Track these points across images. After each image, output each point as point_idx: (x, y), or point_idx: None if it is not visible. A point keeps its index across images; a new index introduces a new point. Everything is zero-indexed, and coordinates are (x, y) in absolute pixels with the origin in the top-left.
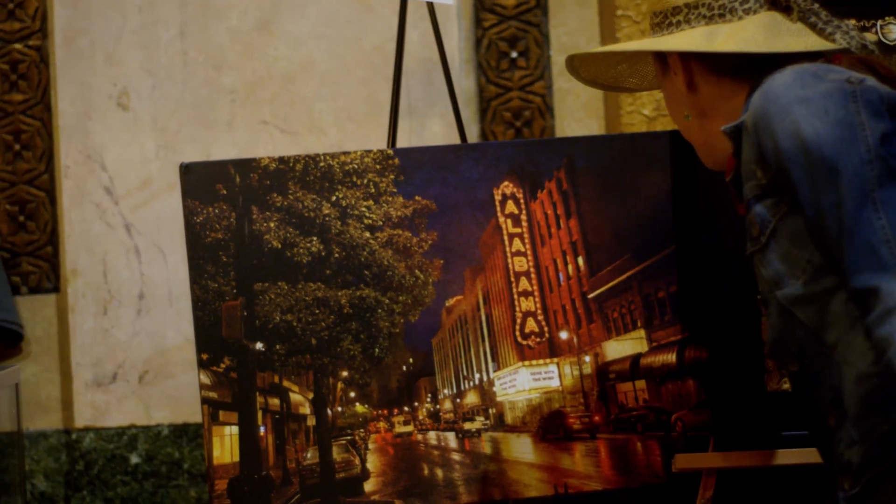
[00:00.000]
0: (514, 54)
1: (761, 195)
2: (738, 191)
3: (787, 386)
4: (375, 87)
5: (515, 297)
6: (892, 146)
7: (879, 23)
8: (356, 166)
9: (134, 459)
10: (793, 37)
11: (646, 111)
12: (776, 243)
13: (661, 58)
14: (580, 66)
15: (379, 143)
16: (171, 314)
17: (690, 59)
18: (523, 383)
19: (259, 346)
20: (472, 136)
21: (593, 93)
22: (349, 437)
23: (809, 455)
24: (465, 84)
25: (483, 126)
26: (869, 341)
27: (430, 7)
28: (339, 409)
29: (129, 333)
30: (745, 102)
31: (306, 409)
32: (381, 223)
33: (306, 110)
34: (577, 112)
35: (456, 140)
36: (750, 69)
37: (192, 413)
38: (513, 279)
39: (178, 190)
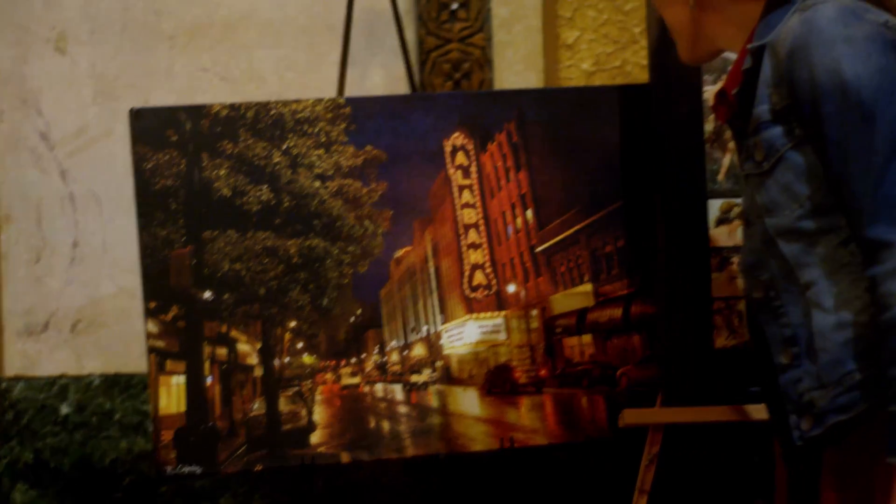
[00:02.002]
0: (454, 6)
1: (774, 120)
2: (740, 105)
3: (734, 342)
4: (317, 36)
5: (464, 249)
6: None
7: None
8: (307, 115)
9: (64, 410)
10: None
11: (585, 65)
12: (779, 172)
13: None
14: None
15: (319, 93)
16: (105, 263)
17: None
18: (470, 336)
19: (207, 294)
20: (409, 86)
21: (532, 46)
22: (296, 389)
23: (757, 412)
24: (406, 36)
25: (422, 77)
26: (868, 291)
27: None
28: (287, 359)
29: (62, 282)
30: (762, 16)
31: (254, 360)
32: (331, 172)
33: (247, 58)
34: (517, 65)
35: (397, 91)
36: None
37: (124, 363)
38: (461, 231)
39: (115, 137)
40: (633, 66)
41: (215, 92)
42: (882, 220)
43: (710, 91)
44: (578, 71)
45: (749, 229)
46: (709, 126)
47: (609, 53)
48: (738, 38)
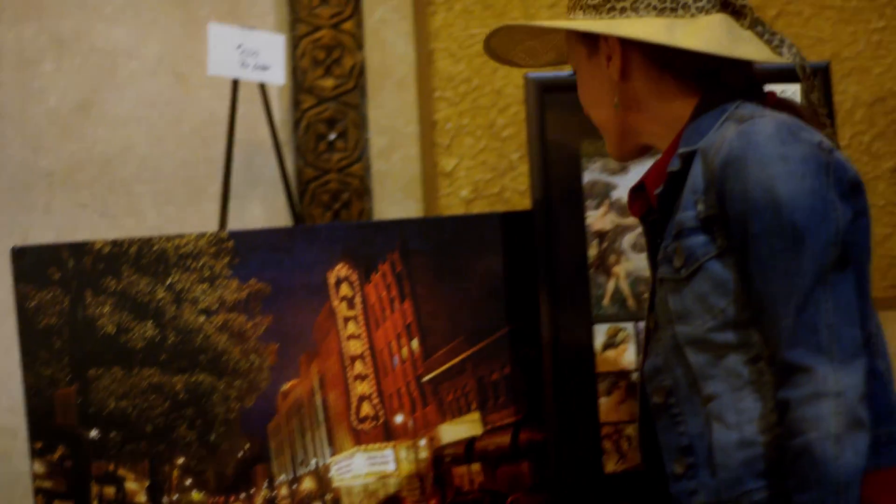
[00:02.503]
0: (332, 136)
1: (697, 228)
2: (660, 206)
3: (624, 467)
4: (195, 170)
5: (350, 380)
6: (849, 232)
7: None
8: (191, 249)
9: None
10: (747, 44)
11: (464, 192)
12: (697, 281)
13: (589, 40)
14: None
15: (199, 226)
16: None
17: (631, 48)
18: (359, 468)
19: (94, 433)
20: (290, 218)
21: (411, 175)
22: None
23: None
24: (284, 167)
25: (301, 208)
26: (774, 412)
27: (262, 87)
28: (176, 496)
29: None
30: (690, 118)
31: (142, 498)
32: (216, 307)
33: (126, 193)
34: (396, 194)
35: (277, 223)
36: (695, 75)
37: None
38: (348, 363)
39: None
40: (512, 192)
41: (95, 228)
42: (801, 344)
43: (592, 216)
44: (457, 198)
45: (656, 333)
46: (592, 251)
47: (487, 180)
48: (665, 136)
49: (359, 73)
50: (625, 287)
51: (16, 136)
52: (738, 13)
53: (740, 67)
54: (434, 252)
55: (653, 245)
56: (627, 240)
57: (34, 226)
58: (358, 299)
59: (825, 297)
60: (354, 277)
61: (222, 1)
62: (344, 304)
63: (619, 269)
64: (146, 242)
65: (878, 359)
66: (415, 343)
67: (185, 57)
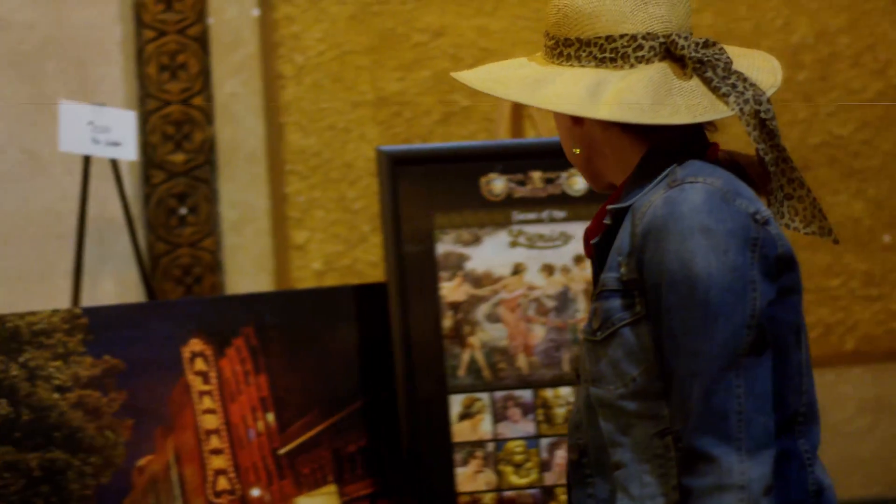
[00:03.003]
0: (183, 211)
1: (617, 291)
2: (597, 256)
3: None
4: (47, 247)
5: (206, 455)
6: (769, 314)
7: (564, 174)
8: (44, 326)
9: None
10: (683, 97)
11: (315, 265)
12: (611, 346)
13: None
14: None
15: (51, 303)
16: None
17: None
18: None
19: None
20: (143, 294)
21: (262, 248)
22: None
23: None
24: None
25: (154, 283)
26: (675, 490)
27: (113, 164)
28: None
29: None
30: (634, 172)
31: None
32: (70, 384)
33: None
34: (248, 268)
35: (129, 298)
36: (638, 127)
37: None
38: (203, 437)
39: None
40: (364, 264)
41: None
42: (708, 431)
43: (446, 288)
44: (310, 271)
45: (579, 388)
46: (447, 322)
47: (339, 253)
48: (618, 182)
49: (209, 147)
50: (480, 358)
51: None
52: (681, 62)
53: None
54: (288, 325)
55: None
56: (482, 311)
57: None
58: (213, 373)
59: (737, 382)
60: (209, 352)
61: (71, 77)
62: (199, 379)
63: (475, 340)
64: None
65: (804, 438)
66: (270, 416)
67: (34, 134)
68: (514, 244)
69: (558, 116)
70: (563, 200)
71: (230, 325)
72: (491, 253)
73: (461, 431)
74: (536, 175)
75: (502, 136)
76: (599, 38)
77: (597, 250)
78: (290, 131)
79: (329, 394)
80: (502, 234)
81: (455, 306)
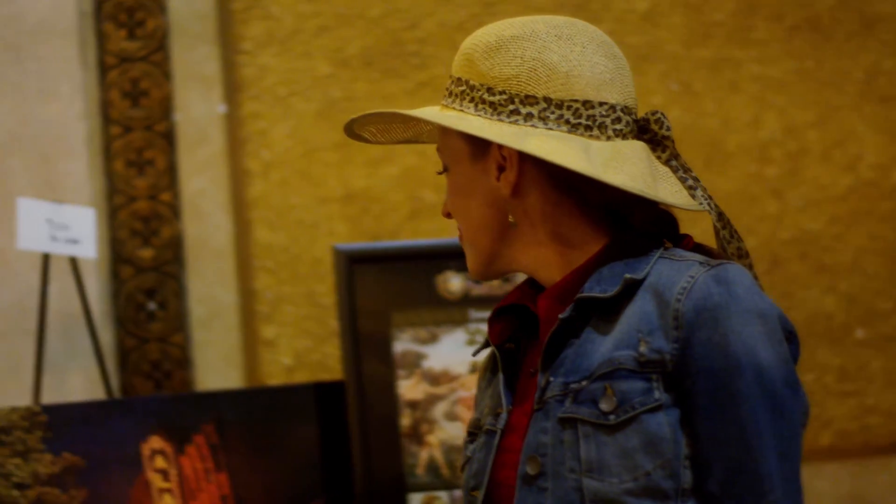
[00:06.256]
0: (151, 306)
1: (634, 372)
2: (559, 334)
3: None
4: (14, 342)
5: None
6: None
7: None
8: (3, 423)
9: None
10: (666, 182)
11: (285, 361)
12: (626, 433)
13: (476, 140)
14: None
15: (18, 398)
16: None
17: (530, 162)
18: None
19: None
20: (114, 388)
21: (232, 344)
22: None
23: None
24: (105, 337)
25: (123, 379)
26: None
27: (73, 261)
28: None
29: None
30: (606, 256)
31: None
32: (30, 481)
33: None
34: (217, 363)
35: (98, 394)
36: (602, 209)
37: None
38: None
39: None
40: (335, 359)
41: None
42: None
43: (404, 386)
44: (279, 366)
45: (542, 480)
46: (405, 420)
47: (309, 348)
48: (553, 266)
49: (177, 243)
50: (438, 456)
51: None
52: (657, 143)
53: (655, 204)
54: (248, 423)
55: (510, 375)
56: (440, 409)
57: None
58: (173, 471)
59: (798, 474)
60: (169, 449)
61: (37, 173)
62: (159, 476)
63: (433, 438)
64: None
65: None
66: None
67: (0, 229)
68: (471, 342)
69: (479, 179)
70: None
71: (190, 423)
72: (448, 351)
73: None
74: None
75: None
76: (576, 101)
77: (564, 325)
78: (258, 227)
79: (290, 491)
80: (459, 333)
81: (413, 404)
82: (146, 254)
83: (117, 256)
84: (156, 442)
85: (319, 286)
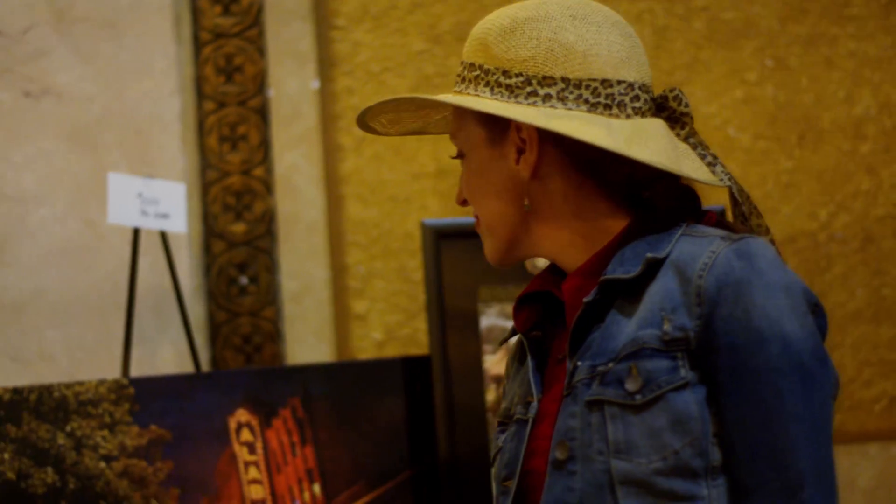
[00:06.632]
0: (243, 280)
1: (659, 351)
2: (585, 317)
3: None
4: (107, 315)
5: None
6: None
7: None
8: (91, 396)
9: None
10: (687, 159)
11: (376, 335)
12: (653, 412)
13: (494, 124)
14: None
15: (111, 371)
16: None
17: (550, 144)
18: None
19: None
20: (204, 362)
21: (322, 318)
22: None
23: None
24: (196, 311)
25: (214, 352)
26: None
27: (163, 235)
28: None
29: None
30: (628, 237)
31: None
32: (116, 453)
33: (37, 339)
34: (308, 337)
35: (189, 367)
36: (623, 188)
37: None
38: None
39: None
40: (425, 334)
41: (6, 373)
42: (820, 488)
43: (490, 361)
44: (370, 341)
45: (571, 465)
46: (490, 395)
47: (399, 323)
48: (576, 250)
49: (270, 218)
50: None
51: None
52: (675, 120)
53: (676, 181)
54: (335, 397)
55: (539, 362)
56: None
57: None
58: (259, 444)
59: (830, 457)
60: (255, 423)
61: (131, 148)
62: (245, 449)
63: None
64: (46, 389)
65: None
66: (316, 487)
67: (95, 204)
68: None
69: (497, 164)
70: None
71: (277, 396)
72: None
73: None
74: None
75: None
76: (594, 80)
77: (589, 308)
78: (350, 202)
79: (376, 465)
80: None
81: (498, 379)
82: (238, 228)
83: (210, 231)
84: (242, 415)
85: (411, 261)
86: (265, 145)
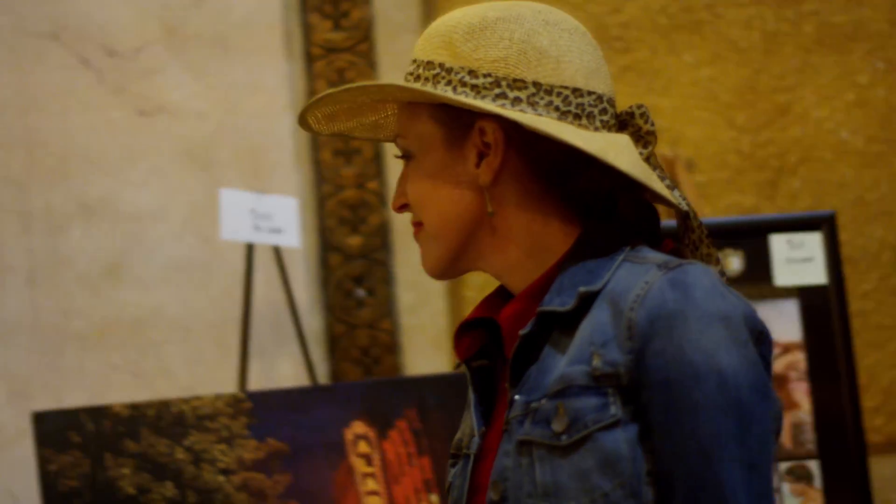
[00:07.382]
0: (360, 293)
1: (587, 388)
2: (522, 351)
3: None
4: (224, 329)
5: None
6: None
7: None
8: (208, 410)
9: None
10: (655, 178)
11: None
12: (580, 453)
13: (454, 124)
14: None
15: (229, 385)
16: None
17: (513, 149)
18: None
19: None
20: (322, 374)
21: (439, 329)
22: None
23: None
24: (314, 324)
25: (333, 365)
26: None
27: (276, 250)
28: None
29: None
30: (572, 257)
31: None
32: (234, 467)
33: (156, 354)
34: (426, 349)
35: (306, 380)
36: (584, 201)
37: None
38: None
39: (29, 437)
40: None
41: (127, 389)
42: None
43: None
44: None
45: None
46: None
47: None
48: (522, 269)
49: (385, 230)
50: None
51: (47, 300)
52: (639, 138)
53: (640, 197)
54: (450, 407)
55: (483, 395)
56: None
57: (67, 388)
58: (376, 456)
59: (768, 482)
60: (372, 434)
61: (245, 164)
62: (362, 461)
63: None
64: (164, 405)
65: None
66: (434, 498)
67: (210, 221)
68: None
69: (452, 166)
70: None
71: (393, 408)
72: None
73: None
74: None
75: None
76: (566, 87)
77: (525, 342)
78: None
79: None
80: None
81: None
82: (354, 241)
83: (326, 244)
84: (359, 427)
85: None
86: (378, 158)
